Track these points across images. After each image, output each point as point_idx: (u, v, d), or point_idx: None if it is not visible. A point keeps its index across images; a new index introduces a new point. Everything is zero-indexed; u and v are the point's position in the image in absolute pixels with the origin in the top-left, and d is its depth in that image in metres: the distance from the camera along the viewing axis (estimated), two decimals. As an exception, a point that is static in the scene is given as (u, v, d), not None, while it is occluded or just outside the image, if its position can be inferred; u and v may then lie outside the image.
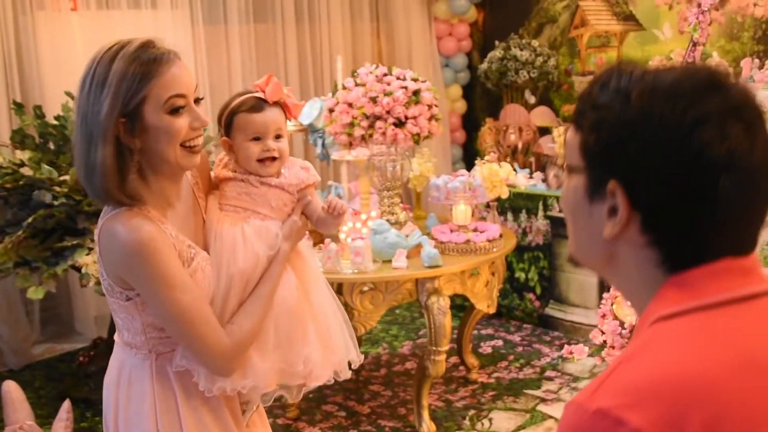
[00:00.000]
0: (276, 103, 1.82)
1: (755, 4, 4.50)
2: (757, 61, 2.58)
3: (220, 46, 5.31)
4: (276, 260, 1.78)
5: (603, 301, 2.59)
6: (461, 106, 6.25)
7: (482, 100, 6.16)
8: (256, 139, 1.80)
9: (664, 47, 5.02)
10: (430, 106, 3.60)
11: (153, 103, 1.57)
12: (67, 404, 2.89)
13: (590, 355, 3.22)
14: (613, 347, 2.44)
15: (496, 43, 5.57)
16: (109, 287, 1.67)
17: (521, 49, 5.25)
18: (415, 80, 3.63)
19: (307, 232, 1.93)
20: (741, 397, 0.82)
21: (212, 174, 1.89)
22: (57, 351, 4.93)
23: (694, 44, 2.54)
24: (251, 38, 5.44)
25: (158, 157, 1.63)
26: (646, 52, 5.13)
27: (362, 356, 1.99)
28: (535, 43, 5.40)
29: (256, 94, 1.81)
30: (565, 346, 3.06)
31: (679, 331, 0.88)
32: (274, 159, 1.82)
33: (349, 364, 1.94)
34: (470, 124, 6.23)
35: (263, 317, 1.74)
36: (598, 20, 5.35)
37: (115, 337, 1.80)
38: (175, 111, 1.60)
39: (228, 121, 1.83)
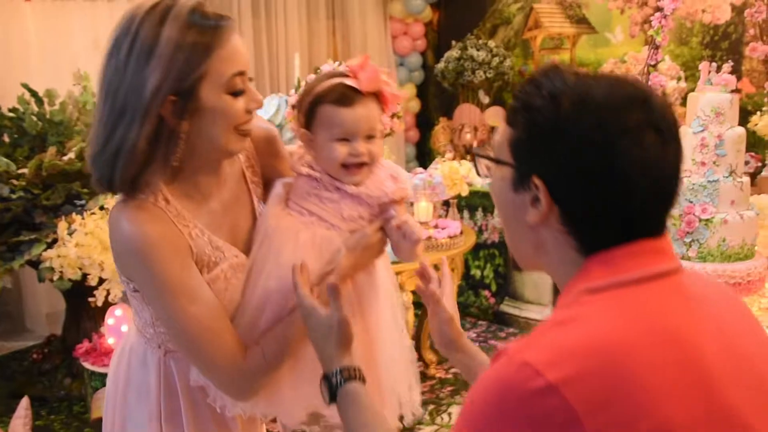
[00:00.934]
0: (371, 94, 1.46)
1: (703, 11, 4.65)
2: (714, 64, 2.67)
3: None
4: (329, 278, 1.44)
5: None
6: (415, 105, 6.31)
7: (436, 100, 6.23)
8: (343, 139, 1.46)
9: (616, 50, 5.15)
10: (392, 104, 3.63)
11: (212, 81, 1.32)
12: (25, 401, 2.86)
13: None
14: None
15: (453, 43, 5.64)
16: (118, 272, 1.47)
17: (478, 50, 5.33)
18: (377, 78, 3.65)
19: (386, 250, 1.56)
20: (650, 363, 0.91)
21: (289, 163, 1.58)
22: (7, 349, 4.83)
23: (656, 47, 2.62)
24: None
25: (206, 143, 1.38)
26: (599, 54, 5.26)
27: (421, 410, 1.68)
28: (491, 43, 5.49)
29: (348, 81, 1.45)
30: (497, 344, 3.11)
31: (602, 304, 0.97)
32: (362, 164, 1.48)
33: (401, 418, 1.59)
34: (424, 122, 6.30)
35: (294, 344, 1.44)
36: (552, 23, 5.46)
37: (132, 318, 1.59)
38: (237, 92, 1.36)
39: (309, 110, 1.49)
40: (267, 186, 1.60)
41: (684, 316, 0.97)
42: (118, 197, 1.42)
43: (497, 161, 1.09)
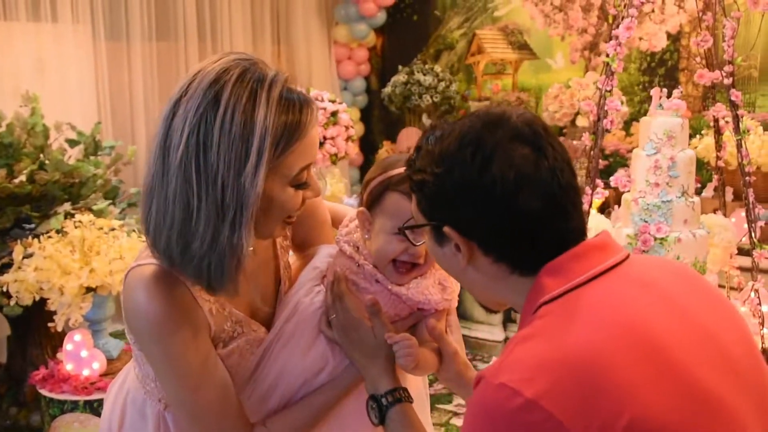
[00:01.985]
0: None
1: (640, 38, 4.83)
2: (665, 90, 2.78)
3: (122, 63, 5.21)
4: (350, 370, 1.36)
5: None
6: (359, 128, 6.36)
7: (380, 124, 6.30)
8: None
9: (557, 76, 5.31)
10: (347, 128, 3.68)
11: (282, 173, 1.20)
12: None
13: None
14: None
15: (400, 67, 5.73)
16: (126, 330, 1.35)
17: (425, 74, 5.42)
18: (332, 102, 3.70)
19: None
20: (618, 359, 0.94)
21: (336, 235, 1.46)
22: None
23: (612, 73, 2.73)
24: (153, 56, 5.36)
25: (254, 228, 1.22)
26: (540, 79, 5.41)
27: None
28: (437, 68, 5.59)
29: None
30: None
31: (560, 313, 1.01)
32: (413, 266, 1.37)
33: None
34: (367, 146, 6.35)
35: (306, 429, 1.35)
36: (494, 48, 5.60)
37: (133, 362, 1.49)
38: (301, 186, 1.25)
39: (377, 193, 1.37)
40: (299, 246, 1.51)
41: (639, 304, 1.02)
42: (138, 257, 1.30)
43: (414, 227, 1.18)
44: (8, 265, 3.10)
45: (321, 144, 3.57)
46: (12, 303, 2.77)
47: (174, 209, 1.16)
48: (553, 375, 0.93)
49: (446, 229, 1.09)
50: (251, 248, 1.22)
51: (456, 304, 1.46)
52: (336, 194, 4.39)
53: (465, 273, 1.12)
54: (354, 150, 3.80)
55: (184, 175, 1.15)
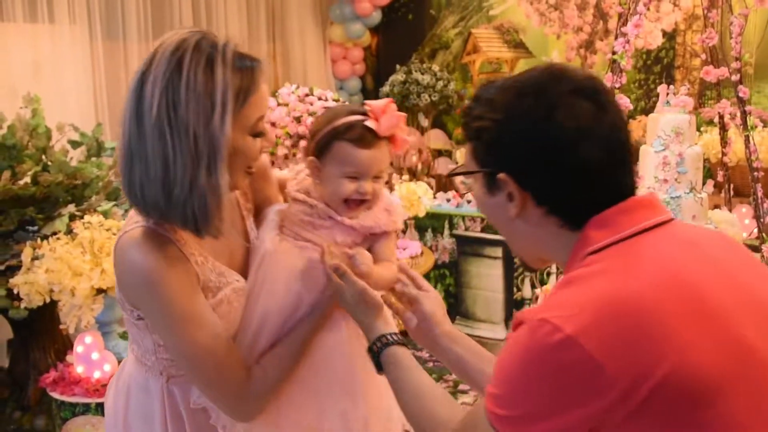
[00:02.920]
0: (386, 137, 1.51)
1: (637, 36, 4.85)
2: (672, 87, 2.81)
3: (119, 62, 5.18)
4: (322, 300, 1.50)
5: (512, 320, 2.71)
6: (354, 128, 6.37)
7: (375, 123, 6.29)
8: (353, 177, 1.50)
9: (554, 74, 5.32)
10: (351, 126, 3.67)
11: (242, 123, 1.34)
12: None
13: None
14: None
15: (398, 67, 5.73)
16: (120, 301, 1.48)
17: (422, 73, 5.42)
18: (336, 100, 3.69)
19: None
20: (662, 308, 0.96)
21: (286, 189, 1.61)
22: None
23: (621, 71, 2.74)
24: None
25: None
26: (536, 78, 5.42)
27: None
28: (435, 67, 5.59)
29: (367, 123, 1.48)
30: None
31: (606, 260, 1.03)
32: (363, 202, 1.53)
33: None
34: (363, 145, 6.35)
35: (295, 362, 1.49)
36: (490, 47, 5.61)
37: (128, 347, 1.61)
38: (258, 134, 1.40)
39: (324, 143, 1.51)
40: (257, 210, 1.63)
41: (685, 259, 1.04)
42: (125, 225, 1.43)
43: (467, 173, 1.19)
44: (13, 268, 3.08)
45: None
46: (22, 305, 2.75)
47: (155, 164, 1.31)
48: (596, 315, 0.95)
49: (502, 176, 1.10)
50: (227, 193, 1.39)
51: (401, 227, 1.61)
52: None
53: (512, 224, 1.14)
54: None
55: (159, 133, 1.30)
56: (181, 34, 1.33)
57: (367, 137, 1.48)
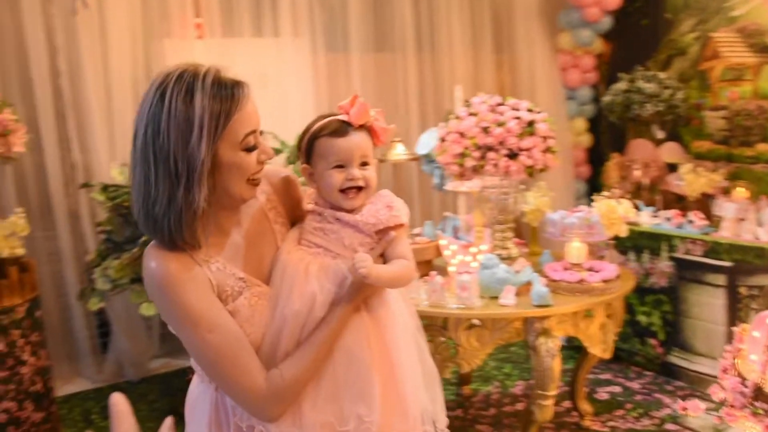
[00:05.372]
0: (362, 127, 1.66)
1: None
2: None
3: (340, 74, 5.34)
4: (340, 304, 1.60)
5: (724, 354, 2.35)
6: (586, 139, 6.04)
7: (609, 134, 5.93)
8: (339, 166, 1.65)
9: (807, 81, 4.68)
10: (545, 138, 3.45)
11: (230, 141, 1.49)
12: (169, 421, 2.92)
13: (710, 410, 2.94)
14: (733, 406, 2.19)
15: (622, 75, 5.35)
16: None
17: (647, 82, 5.01)
18: (530, 111, 3.49)
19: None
20: None
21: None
22: (173, 366, 5.05)
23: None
24: (371, 67, 5.45)
25: (224, 192, 1.55)
26: (786, 86, 4.80)
27: (446, 421, 1.79)
28: (662, 75, 5.15)
29: (340, 117, 1.65)
30: (679, 401, 2.80)
31: None
32: (359, 189, 1.66)
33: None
34: (596, 158, 6.01)
35: (314, 365, 1.58)
36: (732, 52, 5.05)
37: None
38: (250, 148, 1.53)
39: (308, 147, 1.68)
40: (296, 219, 1.77)
41: None
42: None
43: None
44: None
45: (515, 155, 3.38)
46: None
47: (140, 187, 1.49)
48: None
49: None
50: (240, 225, 1.63)
51: (404, 222, 1.68)
52: (540, 208, 4.17)
53: None
54: (555, 162, 3.55)
55: (144, 159, 1.47)
56: (168, 69, 1.51)
57: (341, 128, 1.64)
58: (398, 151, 4.22)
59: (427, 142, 4.30)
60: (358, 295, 1.61)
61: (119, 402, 3.25)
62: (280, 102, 5.02)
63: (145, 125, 1.47)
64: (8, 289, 3.34)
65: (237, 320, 1.55)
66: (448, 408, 1.84)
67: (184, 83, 1.46)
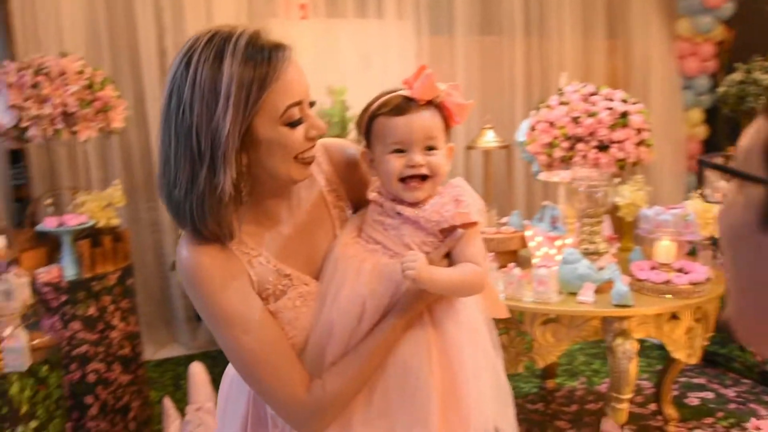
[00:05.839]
0: (430, 104, 1.39)
1: None
2: None
3: (444, 57, 5.29)
4: (394, 309, 1.37)
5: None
6: (702, 131, 5.77)
7: (726, 126, 5.63)
8: (399, 150, 1.39)
9: None
10: (639, 130, 3.31)
11: (268, 114, 1.28)
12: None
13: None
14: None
15: (738, 65, 5.06)
16: None
17: (765, 73, 4.72)
18: (624, 101, 3.36)
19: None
20: None
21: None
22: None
23: None
24: (476, 50, 5.37)
25: (266, 173, 1.34)
26: None
27: (515, 427, 1.53)
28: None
29: (403, 92, 1.39)
30: (752, 419, 2.64)
31: None
32: (423, 178, 1.39)
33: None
34: (712, 151, 5.73)
35: (360, 378, 1.37)
36: None
37: None
38: (294, 123, 1.31)
39: (367, 128, 1.43)
40: (358, 210, 1.55)
41: None
42: None
43: (742, 176, 0.71)
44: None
45: (606, 147, 3.26)
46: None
47: (163, 167, 1.31)
48: None
49: None
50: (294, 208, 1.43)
51: (476, 220, 1.41)
52: (636, 202, 4.01)
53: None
54: (650, 155, 3.40)
55: (167, 135, 1.29)
56: (199, 32, 1.30)
57: (402, 105, 1.39)
58: (488, 138, 4.14)
59: (526, 129, 4.22)
60: (416, 302, 1.38)
61: (198, 372, 3.38)
62: (382, 84, 5.01)
63: (168, 95, 1.29)
64: (102, 257, 3.51)
65: (279, 322, 1.38)
66: (529, 401, 1.66)
67: (214, 47, 1.26)
